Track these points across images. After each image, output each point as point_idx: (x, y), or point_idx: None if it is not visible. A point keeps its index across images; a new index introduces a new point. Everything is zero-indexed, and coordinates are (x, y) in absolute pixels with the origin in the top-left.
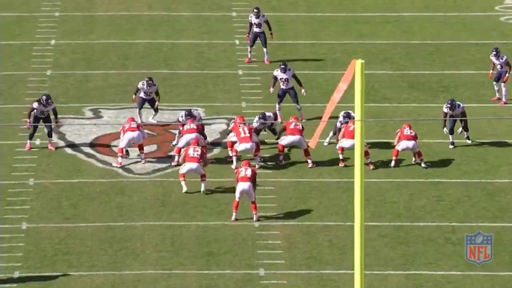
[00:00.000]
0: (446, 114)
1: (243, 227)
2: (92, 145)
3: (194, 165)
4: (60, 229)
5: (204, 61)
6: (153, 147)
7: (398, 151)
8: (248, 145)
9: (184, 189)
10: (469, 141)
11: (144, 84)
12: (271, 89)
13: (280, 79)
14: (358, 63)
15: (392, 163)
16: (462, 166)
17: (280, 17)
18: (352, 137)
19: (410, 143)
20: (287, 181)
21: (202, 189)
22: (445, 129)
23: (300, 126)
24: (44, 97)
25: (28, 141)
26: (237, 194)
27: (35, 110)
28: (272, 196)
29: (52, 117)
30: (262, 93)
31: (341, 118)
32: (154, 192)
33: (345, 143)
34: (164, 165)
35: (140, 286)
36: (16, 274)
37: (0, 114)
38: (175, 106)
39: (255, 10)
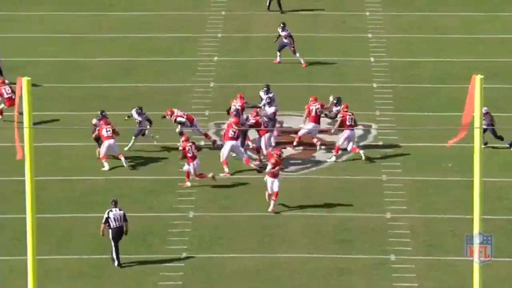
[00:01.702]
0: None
1: (375, 218)
2: (247, 147)
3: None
4: (219, 217)
5: (341, 75)
6: (299, 149)
7: None
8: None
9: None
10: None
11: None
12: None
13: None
14: (477, 78)
15: None
16: None
17: (410, 38)
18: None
19: None
20: (412, 179)
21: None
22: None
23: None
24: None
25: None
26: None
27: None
28: (401, 192)
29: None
30: (393, 103)
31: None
32: (299, 187)
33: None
34: (308, 164)
35: (287, 267)
36: (184, 255)
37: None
38: None
39: (281, 25)
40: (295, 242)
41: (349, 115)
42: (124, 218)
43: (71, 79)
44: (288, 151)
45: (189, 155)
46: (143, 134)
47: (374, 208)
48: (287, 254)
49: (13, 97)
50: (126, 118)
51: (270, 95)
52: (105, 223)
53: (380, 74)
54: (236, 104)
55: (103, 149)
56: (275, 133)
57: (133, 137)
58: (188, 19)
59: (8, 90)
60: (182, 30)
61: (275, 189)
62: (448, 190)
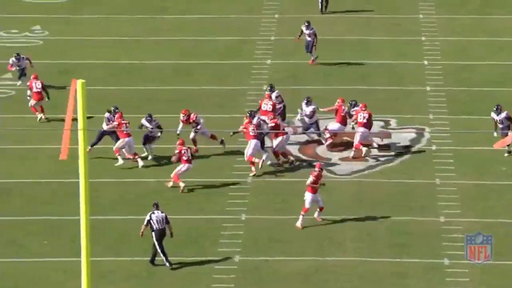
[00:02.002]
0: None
1: (428, 222)
2: (299, 149)
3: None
4: (271, 220)
5: (395, 78)
6: (351, 153)
7: None
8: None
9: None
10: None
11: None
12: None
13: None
14: None
15: None
16: None
17: (463, 41)
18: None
19: None
20: (466, 183)
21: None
22: (494, 133)
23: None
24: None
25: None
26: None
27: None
28: (455, 196)
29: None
30: (446, 107)
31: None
32: (353, 191)
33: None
34: (361, 167)
35: (340, 271)
36: (237, 258)
37: (223, 122)
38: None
39: (306, 23)
40: (347, 246)
41: (363, 113)
42: (166, 220)
43: (126, 82)
44: (341, 154)
45: (184, 158)
46: (151, 141)
47: (427, 212)
48: (339, 258)
49: (42, 92)
50: (137, 129)
51: (275, 93)
52: (146, 225)
53: (434, 77)
54: (268, 104)
55: (120, 144)
56: (291, 130)
57: (143, 146)
58: (241, 23)
59: (39, 84)
60: (235, 34)
61: (320, 204)
62: (502, 194)
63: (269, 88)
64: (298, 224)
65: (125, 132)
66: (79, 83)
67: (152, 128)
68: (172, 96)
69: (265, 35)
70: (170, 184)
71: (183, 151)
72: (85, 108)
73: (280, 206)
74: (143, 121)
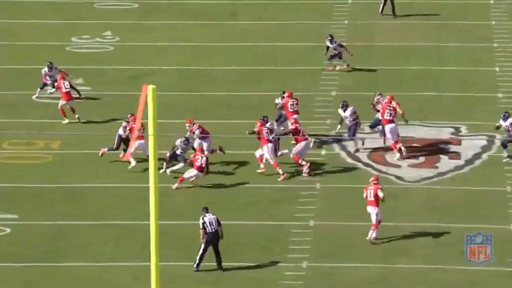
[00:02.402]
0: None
1: (499, 230)
2: (368, 156)
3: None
4: (340, 226)
5: (466, 85)
6: (422, 159)
7: None
8: None
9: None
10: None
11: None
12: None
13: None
14: None
15: None
16: None
17: None
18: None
19: None
20: None
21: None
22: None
23: None
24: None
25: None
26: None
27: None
28: None
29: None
30: None
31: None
32: (422, 198)
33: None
34: (430, 174)
35: (409, 278)
36: (304, 264)
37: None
38: (440, 124)
39: (329, 37)
40: (417, 253)
41: (389, 109)
42: (218, 222)
43: (196, 88)
44: (411, 161)
45: (196, 164)
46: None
47: (498, 219)
48: (409, 265)
49: (71, 92)
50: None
51: (349, 109)
52: (203, 229)
53: (506, 83)
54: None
55: (132, 148)
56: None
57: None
58: (311, 29)
59: (67, 84)
60: (305, 40)
61: (378, 217)
62: None
63: (341, 104)
64: (370, 237)
65: (137, 136)
66: (149, 89)
67: (181, 153)
68: (241, 103)
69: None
70: (175, 186)
71: (197, 157)
72: (156, 114)
73: (348, 212)
74: (178, 142)
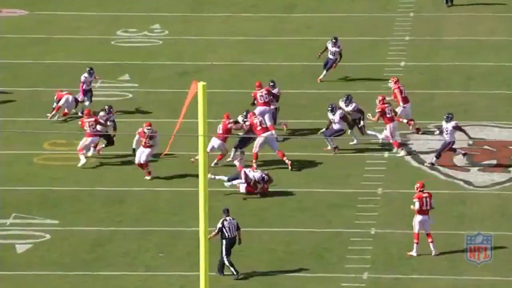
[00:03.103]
0: None
1: None
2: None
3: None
4: (403, 235)
5: None
6: (493, 162)
7: None
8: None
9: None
10: None
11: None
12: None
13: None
14: None
15: None
16: None
17: None
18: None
19: None
20: None
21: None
22: None
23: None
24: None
25: None
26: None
27: None
28: None
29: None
30: None
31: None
32: (493, 204)
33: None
34: (503, 179)
35: None
36: (365, 275)
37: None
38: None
39: (333, 40)
40: (487, 264)
41: (388, 107)
42: (237, 227)
43: (249, 85)
44: (480, 165)
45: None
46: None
47: None
48: (478, 277)
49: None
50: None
51: (352, 105)
52: (217, 233)
53: None
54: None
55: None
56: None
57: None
58: (373, 22)
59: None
60: (368, 33)
61: (428, 229)
62: None
63: (344, 98)
64: (413, 253)
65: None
66: (200, 86)
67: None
68: (298, 100)
69: (399, 35)
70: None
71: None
72: (206, 112)
73: (412, 219)
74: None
